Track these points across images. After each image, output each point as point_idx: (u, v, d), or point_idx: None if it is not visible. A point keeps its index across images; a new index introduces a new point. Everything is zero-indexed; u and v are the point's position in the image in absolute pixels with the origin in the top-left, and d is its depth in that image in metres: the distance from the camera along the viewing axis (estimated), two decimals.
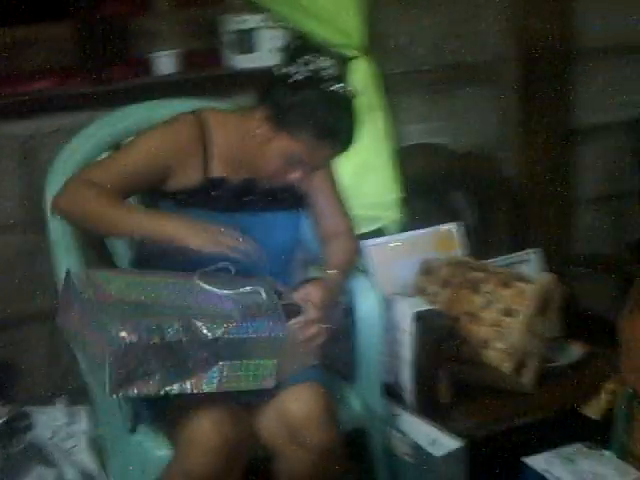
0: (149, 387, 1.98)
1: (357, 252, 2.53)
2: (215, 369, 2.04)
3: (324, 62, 2.22)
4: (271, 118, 2.23)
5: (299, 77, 2.20)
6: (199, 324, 2.00)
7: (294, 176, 2.26)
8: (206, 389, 2.04)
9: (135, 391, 1.97)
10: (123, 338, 1.91)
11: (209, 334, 2.00)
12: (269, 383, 2.12)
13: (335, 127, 2.20)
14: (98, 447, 2.60)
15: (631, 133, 3.50)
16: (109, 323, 1.93)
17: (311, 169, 2.27)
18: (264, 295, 2.17)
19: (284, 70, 2.22)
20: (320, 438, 2.23)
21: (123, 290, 2.07)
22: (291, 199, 2.41)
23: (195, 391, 2.03)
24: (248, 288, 2.17)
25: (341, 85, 2.22)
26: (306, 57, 2.22)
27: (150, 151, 2.28)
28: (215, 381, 2.05)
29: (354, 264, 2.52)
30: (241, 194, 2.34)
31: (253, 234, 2.29)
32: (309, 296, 2.28)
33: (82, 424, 2.64)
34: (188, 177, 2.30)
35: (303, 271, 2.61)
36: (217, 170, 2.32)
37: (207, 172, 2.31)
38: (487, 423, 2.60)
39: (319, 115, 2.18)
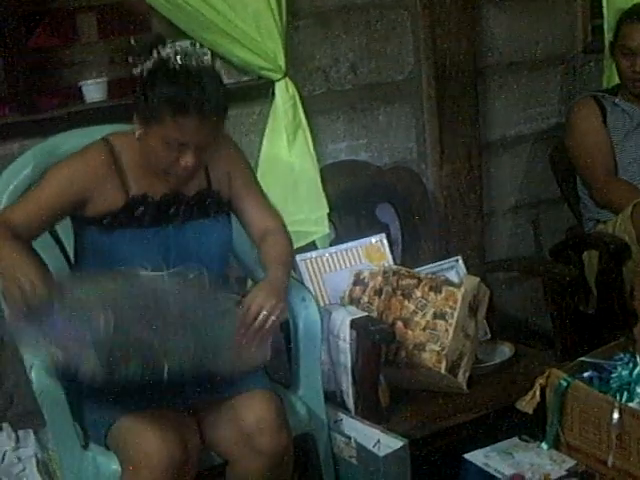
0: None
1: (292, 247, 2.60)
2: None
3: (170, 48, 2.29)
4: (140, 118, 2.30)
5: (148, 67, 2.30)
6: None
7: (185, 161, 2.29)
8: None
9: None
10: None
11: None
12: None
13: (187, 98, 2.22)
14: (47, 470, 2.61)
15: (542, 144, 3.65)
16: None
17: (195, 148, 2.28)
18: None
19: (139, 70, 2.30)
20: (273, 443, 2.31)
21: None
22: (216, 206, 2.46)
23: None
24: None
25: (184, 58, 2.31)
26: (155, 50, 2.30)
27: (61, 183, 2.33)
28: None
29: (291, 259, 2.60)
30: (165, 207, 2.39)
31: (182, 245, 2.37)
32: (257, 291, 2.36)
33: (30, 448, 2.64)
34: (109, 201, 2.34)
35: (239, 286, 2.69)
36: (137, 188, 2.37)
37: (127, 192, 2.36)
38: (426, 423, 2.69)
39: (168, 92, 2.23)
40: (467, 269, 3.10)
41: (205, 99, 2.23)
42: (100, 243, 2.35)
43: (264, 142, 3.02)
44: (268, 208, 2.58)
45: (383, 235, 3.07)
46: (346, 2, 3.24)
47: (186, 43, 2.90)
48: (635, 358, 2.71)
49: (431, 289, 2.80)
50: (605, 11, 3.63)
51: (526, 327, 3.19)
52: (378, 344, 2.63)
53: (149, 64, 2.30)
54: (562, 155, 3.53)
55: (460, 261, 3.11)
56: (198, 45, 2.91)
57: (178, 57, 2.30)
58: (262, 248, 2.52)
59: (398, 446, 2.51)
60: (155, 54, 2.30)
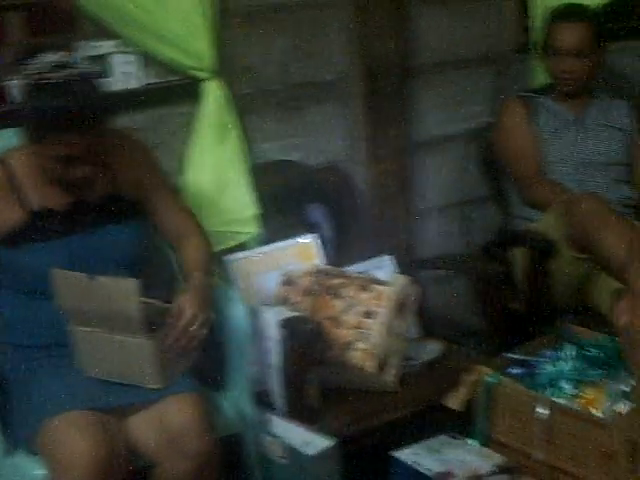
0: None
1: (211, 250, 2.61)
2: None
3: (51, 56, 2.29)
4: (25, 136, 2.31)
5: (24, 77, 2.28)
6: None
7: (78, 172, 2.29)
8: None
9: None
10: None
11: None
12: None
13: (60, 113, 2.21)
14: None
15: (472, 142, 3.68)
16: None
17: (82, 159, 2.28)
18: None
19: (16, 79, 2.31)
20: (199, 446, 2.31)
21: None
22: (125, 210, 2.46)
23: None
24: None
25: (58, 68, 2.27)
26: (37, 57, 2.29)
27: None
28: None
29: (211, 262, 2.60)
30: (70, 217, 2.40)
31: (92, 253, 2.37)
32: (183, 304, 2.35)
33: None
34: (10, 218, 2.36)
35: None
36: (39, 202, 2.38)
37: (28, 208, 2.37)
38: (356, 421, 2.68)
39: (41, 107, 2.23)
40: (398, 268, 3.11)
41: (78, 111, 2.22)
42: (7, 261, 2.37)
43: (193, 142, 3.00)
44: (182, 210, 2.60)
45: (314, 235, 3.08)
46: (276, 1, 3.23)
47: (110, 43, 2.89)
48: (560, 354, 2.75)
49: (360, 288, 2.81)
50: (532, 11, 3.67)
51: (457, 324, 3.21)
52: (306, 344, 2.63)
53: (27, 73, 2.28)
54: (491, 154, 3.57)
55: (391, 260, 3.12)
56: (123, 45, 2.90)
57: (53, 66, 2.27)
58: (180, 252, 2.53)
59: (327, 445, 2.51)
60: (35, 62, 2.28)
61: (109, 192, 2.43)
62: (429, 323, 3.10)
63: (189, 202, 2.81)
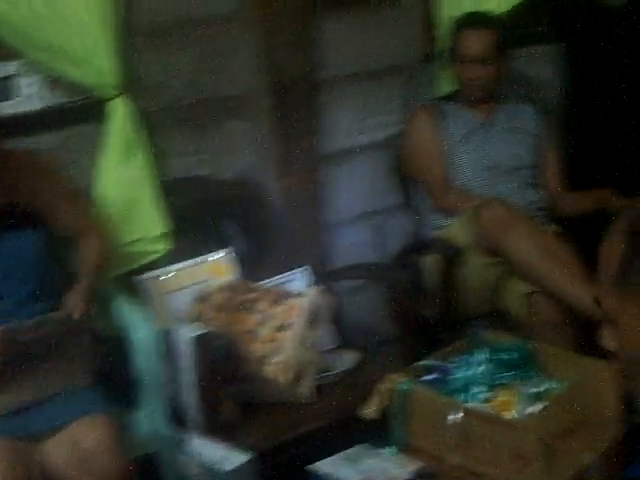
0: None
1: (108, 250, 2.64)
2: None
3: None
4: None
5: None
6: None
7: None
8: None
9: None
10: None
11: None
12: None
13: None
14: None
15: (383, 153, 3.71)
16: None
17: None
18: None
19: None
20: (110, 467, 2.30)
21: None
22: (19, 220, 2.47)
23: None
24: None
25: None
26: None
27: None
28: None
29: (107, 262, 2.64)
30: None
31: None
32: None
33: None
34: None
35: None
36: None
37: None
38: (273, 435, 2.69)
39: None
40: (313, 279, 3.12)
41: None
42: None
43: (100, 161, 2.98)
44: (80, 210, 2.64)
45: (227, 250, 3.07)
46: (183, 17, 3.21)
47: (13, 65, 2.86)
48: (472, 358, 2.79)
49: (273, 302, 2.83)
50: (438, 19, 3.71)
51: (373, 333, 3.23)
52: (219, 360, 2.63)
53: None
54: (402, 163, 3.60)
55: (305, 272, 3.14)
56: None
57: None
58: (78, 253, 2.55)
59: (243, 461, 2.51)
60: None
61: (3, 202, 2.42)
62: (345, 333, 3.12)
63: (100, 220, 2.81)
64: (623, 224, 1.26)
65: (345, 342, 3.07)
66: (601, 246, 1.29)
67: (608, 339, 1.36)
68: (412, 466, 2.66)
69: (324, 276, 3.17)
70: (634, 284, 1.43)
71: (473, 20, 3.50)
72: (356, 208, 3.70)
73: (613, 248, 1.28)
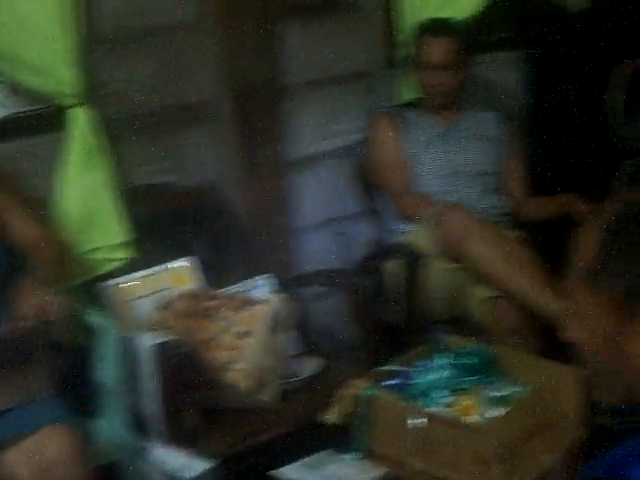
0: None
1: (65, 260, 2.62)
2: None
3: None
4: None
5: None
6: None
7: None
8: None
9: None
10: None
11: None
12: None
13: None
14: None
15: (345, 159, 3.72)
16: None
17: None
18: None
19: None
20: (72, 476, 2.30)
21: None
22: None
23: None
24: None
25: None
26: None
27: None
28: None
29: (63, 272, 2.62)
30: None
31: None
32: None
33: None
34: None
35: None
36: None
37: None
38: (236, 442, 2.68)
39: None
40: (277, 286, 3.12)
41: None
42: None
43: (61, 170, 2.97)
44: (31, 220, 2.62)
45: (189, 258, 3.06)
46: (145, 25, 3.21)
47: None
48: (434, 363, 2.79)
49: (236, 309, 2.82)
50: (399, 26, 3.73)
51: (337, 339, 3.24)
52: (181, 367, 2.62)
53: None
54: (364, 170, 3.62)
55: (269, 279, 3.14)
56: None
57: None
58: (31, 263, 2.53)
59: (205, 468, 2.50)
60: None
61: None
62: (309, 339, 3.12)
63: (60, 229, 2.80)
64: (601, 221, 1.29)
65: (309, 348, 3.07)
66: (575, 241, 1.30)
67: (573, 333, 1.37)
68: (375, 471, 2.66)
69: (288, 283, 3.17)
70: (600, 283, 1.45)
71: (435, 27, 3.51)
72: (320, 215, 3.70)
73: (588, 243, 1.31)
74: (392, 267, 3.25)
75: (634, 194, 1.46)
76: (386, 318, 3.16)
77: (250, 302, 2.84)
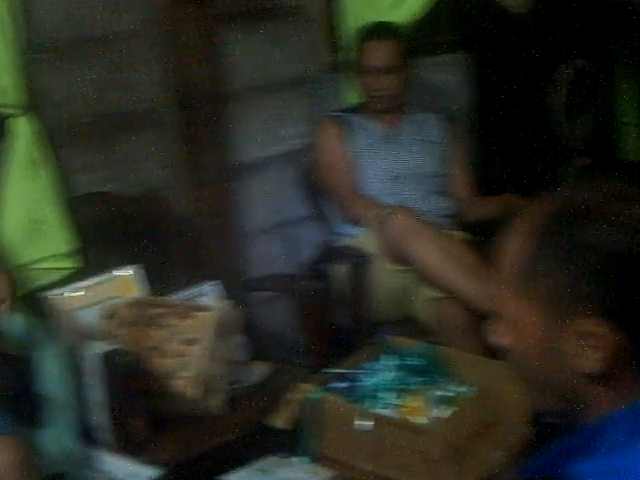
0: None
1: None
2: None
3: None
4: None
5: None
6: None
7: None
8: None
9: None
10: None
11: None
12: None
13: None
14: None
15: (291, 164, 3.73)
16: None
17: None
18: None
19: None
20: None
21: None
22: None
23: None
24: None
25: None
26: None
27: None
28: None
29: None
30: None
31: None
32: None
33: None
34: None
35: None
36: None
37: None
38: (185, 449, 2.67)
39: None
40: (225, 292, 3.12)
41: None
42: None
43: (4, 180, 2.95)
44: None
45: (135, 266, 3.05)
46: (86, 34, 3.20)
47: None
48: (380, 365, 2.81)
49: (182, 316, 2.81)
50: (341, 30, 3.75)
51: (285, 344, 3.24)
52: (127, 376, 2.61)
53: None
54: (310, 174, 3.63)
55: (216, 285, 3.13)
56: None
57: None
58: None
59: (154, 476, 2.50)
60: None
61: None
62: (257, 345, 3.12)
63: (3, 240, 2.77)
64: (527, 221, 1.27)
65: (257, 354, 3.08)
66: (502, 242, 1.30)
67: (497, 335, 1.38)
68: (325, 474, 2.67)
69: (236, 288, 3.17)
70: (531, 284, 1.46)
71: (377, 31, 3.53)
72: (267, 219, 3.71)
73: (517, 244, 1.29)
74: (339, 270, 3.26)
75: (565, 192, 1.41)
76: (334, 321, 3.18)
77: (196, 309, 2.83)
